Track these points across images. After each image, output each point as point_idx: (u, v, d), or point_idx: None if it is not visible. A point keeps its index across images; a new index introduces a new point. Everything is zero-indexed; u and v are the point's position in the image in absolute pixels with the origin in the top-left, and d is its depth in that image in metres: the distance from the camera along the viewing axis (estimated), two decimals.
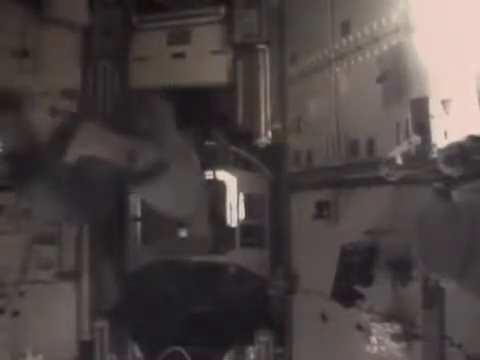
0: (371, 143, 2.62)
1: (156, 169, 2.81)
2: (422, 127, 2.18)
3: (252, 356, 3.56)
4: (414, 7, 2.33)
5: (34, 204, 2.87)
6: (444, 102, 2.13)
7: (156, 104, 3.11)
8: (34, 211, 3.00)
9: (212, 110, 3.81)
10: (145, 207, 3.69)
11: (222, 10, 3.75)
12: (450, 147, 1.91)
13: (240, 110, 3.67)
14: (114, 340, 3.68)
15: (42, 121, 2.84)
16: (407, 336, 2.31)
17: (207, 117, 3.75)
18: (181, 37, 3.82)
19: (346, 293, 2.51)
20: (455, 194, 2.00)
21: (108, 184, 2.86)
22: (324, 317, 2.99)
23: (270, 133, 3.59)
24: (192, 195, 3.22)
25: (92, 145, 2.70)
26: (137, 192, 3.29)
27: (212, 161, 3.69)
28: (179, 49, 3.80)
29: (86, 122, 2.74)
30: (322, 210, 2.99)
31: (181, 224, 3.61)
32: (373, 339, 2.44)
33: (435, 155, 2.05)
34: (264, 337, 3.51)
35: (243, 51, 3.70)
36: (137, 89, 3.85)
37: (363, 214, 2.66)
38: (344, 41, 2.86)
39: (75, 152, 2.65)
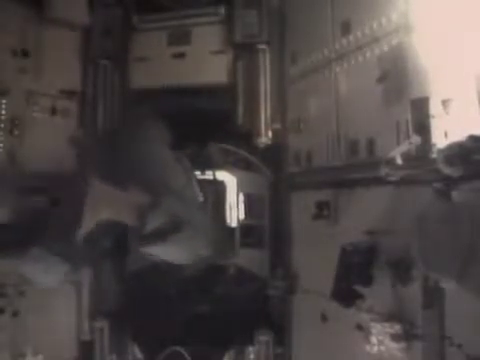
0: (371, 143, 2.62)
1: (169, 228, 2.72)
2: (422, 127, 2.18)
3: (252, 356, 3.56)
4: (414, 7, 2.34)
5: (33, 270, 2.75)
6: (444, 102, 2.13)
7: (153, 131, 3.04)
8: (33, 277, 2.87)
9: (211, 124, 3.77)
10: None
11: (222, 10, 3.75)
12: (450, 147, 1.91)
13: (240, 110, 3.67)
14: (114, 340, 3.68)
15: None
16: (407, 336, 2.31)
17: (205, 137, 3.74)
18: (181, 37, 3.81)
19: (346, 293, 2.51)
20: (455, 194, 2.00)
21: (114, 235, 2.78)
22: (324, 317, 2.99)
23: (270, 133, 3.59)
24: (207, 245, 3.12)
25: (103, 210, 2.63)
26: (148, 251, 3.05)
27: (210, 165, 3.68)
28: (179, 49, 3.80)
29: (93, 183, 2.63)
30: (322, 210, 2.99)
31: None
32: (373, 339, 2.43)
33: (435, 155, 2.06)
34: (264, 337, 3.51)
35: (243, 51, 3.70)
36: (137, 90, 3.85)
37: (363, 214, 2.66)
38: (344, 41, 2.86)
39: (88, 225, 2.58)
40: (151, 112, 3.46)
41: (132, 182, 2.64)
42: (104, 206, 2.64)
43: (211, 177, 3.74)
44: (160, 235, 2.70)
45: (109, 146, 2.96)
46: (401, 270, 2.29)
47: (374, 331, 2.43)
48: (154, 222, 2.64)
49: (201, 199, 3.31)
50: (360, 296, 2.50)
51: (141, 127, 3.05)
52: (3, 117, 3.33)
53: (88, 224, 2.59)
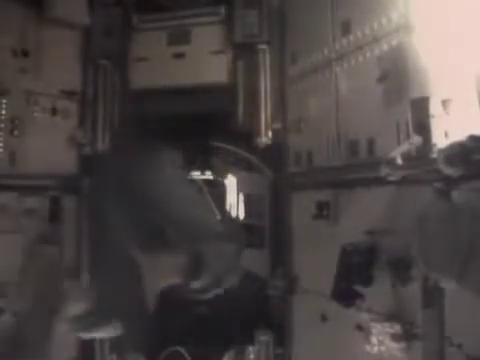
0: (371, 143, 2.62)
1: (211, 285, 2.96)
2: (422, 127, 2.18)
3: (252, 356, 3.56)
4: (414, 7, 2.34)
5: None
6: (444, 102, 2.13)
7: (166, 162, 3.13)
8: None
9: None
10: None
11: (222, 10, 3.75)
12: (451, 147, 1.91)
13: (240, 110, 3.67)
14: (114, 340, 3.67)
15: None
16: (407, 336, 2.31)
17: (205, 137, 3.75)
18: (181, 37, 3.81)
19: (346, 293, 2.51)
20: (455, 194, 2.00)
21: None
22: (324, 317, 2.99)
23: (270, 133, 3.58)
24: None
25: (160, 280, 2.91)
26: None
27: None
28: (179, 49, 3.80)
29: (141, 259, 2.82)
30: (322, 210, 2.99)
31: None
32: (373, 339, 2.44)
33: (435, 155, 2.06)
34: (264, 337, 3.51)
35: (243, 51, 3.69)
36: (137, 90, 3.85)
37: (363, 214, 2.66)
38: (344, 41, 2.86)
39: (152, 299, 2.89)
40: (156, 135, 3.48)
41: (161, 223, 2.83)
42: (160, 277, 2.92)
43: (211, 177, 3.75)
44: (203, 292, 2.97)
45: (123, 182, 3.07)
46: (401, 270, 2.29)
47: (374, 331, 2.43)
48: (198, 282, 2.94)
49: (219, 218, 3.39)
50: (360, 296, 2.50)
51: (150, 155, 3.12)
52: (3, 117, 3.33)
53: (152, 298, 2.90)
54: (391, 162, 2.21)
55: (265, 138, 3.58)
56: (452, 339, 2.07)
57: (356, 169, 2.74)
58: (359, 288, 2.48)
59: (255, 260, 3.71)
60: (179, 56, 3.80)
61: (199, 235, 2.92)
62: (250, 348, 3.56)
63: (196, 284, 2.87)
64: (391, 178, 2.26)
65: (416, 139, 2.17)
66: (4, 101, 3.33)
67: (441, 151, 1.98)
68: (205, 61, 3.75)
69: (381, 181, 2.35)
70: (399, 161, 2.20)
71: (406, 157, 2.20)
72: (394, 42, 2.47)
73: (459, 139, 1.91)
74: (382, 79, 2.51)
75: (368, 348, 2.46)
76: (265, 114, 3.60)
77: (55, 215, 3.54)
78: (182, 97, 3.73)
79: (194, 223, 2.92)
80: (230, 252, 3.14)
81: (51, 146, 3.55)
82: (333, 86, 2.96)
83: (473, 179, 1.90)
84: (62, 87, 3.65)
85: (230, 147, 3.75)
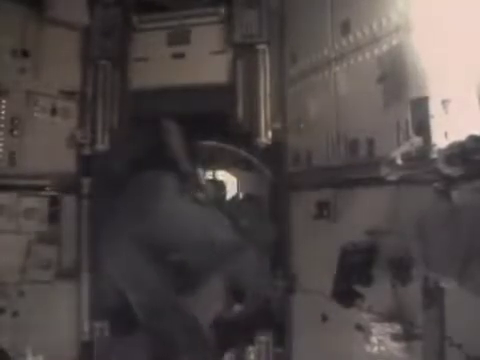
0: (371, 143, 2.62)
1: None
2: (422, 127, 2.18)
3: (252, 356, 3.56)
4: (414, 7, 2.34)
5: None
6: (444, 102, 2.13)
7: None
8: None
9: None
10: None
11: (222, 10, 3.75)
12: (450, 147, 1.91)
13: (240, 110, 3.67)
14: (114, 340, 3.67)
15: None
16: (407, 336, 2.32)
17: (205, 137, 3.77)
18: (181, 37, 3.82)
19: (346, 293, 2.51)
20: (455, 194, 2.00)
21: None
22: (324, 317, 2.99)
23: (270, 133, 3.59)
24: None
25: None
26: None
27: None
28: (179, 49, 3.80)
29: None
30: (322, 210, 2.99)
31: None
32: (373, 339, 2.44)
33: (435, 155, 2.06)
34: (264, 337, 3.51)
35: (243, 51, 3.70)
36: (136, 90, 3.84)
37: (363, 214, 2.66)
38: (344, 41, 2.86)
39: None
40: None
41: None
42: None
43: (211, 177, 3.75)
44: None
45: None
46: (401, 270, 2.29)
47: (374, 331, 2.43)
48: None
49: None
50: (360, 296, 2.50)
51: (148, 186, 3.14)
52: (3, 117, 3.33)
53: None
54: (391, 162, 2.21)
55: (265, 138, 3.58)
56: (452, 339, 2.07)
57: (356, 169, 2.74)
58: (359, 288, 2.48)
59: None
60: (179, 56, 3.80)
61: (222, 253, 3.01)
62: (250, 348, 3.56)
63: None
64: (391, 178, 2.26)
65: (417, 140, 2.17)
66: (4, 101, 3.33)
67: (441, 151, 1.98)
68: (205, 61, 3.75)
69: (381, 181, 2.35)
70: (399, 161, 2.20)
71: (406, 157, 2.20)
72: (394, 42, 2.47)
73: (459, 139, 1.91)
74: (382, 79, 2.51)
75: (368, 348, 2.46)
76: (265, 114, 3.60)
77: (54, 215, 3.55)
78: (182, 97, 3.73)
79: (214, 244, 3.01)
80: (257, 259, 3.28)
81: (51, 146, 3.55)
82: (333, 86, 2.96)
83: (473, 179, 1.90)
84: (62, 87, 3.65)
85: (230, 147, 3.75)
